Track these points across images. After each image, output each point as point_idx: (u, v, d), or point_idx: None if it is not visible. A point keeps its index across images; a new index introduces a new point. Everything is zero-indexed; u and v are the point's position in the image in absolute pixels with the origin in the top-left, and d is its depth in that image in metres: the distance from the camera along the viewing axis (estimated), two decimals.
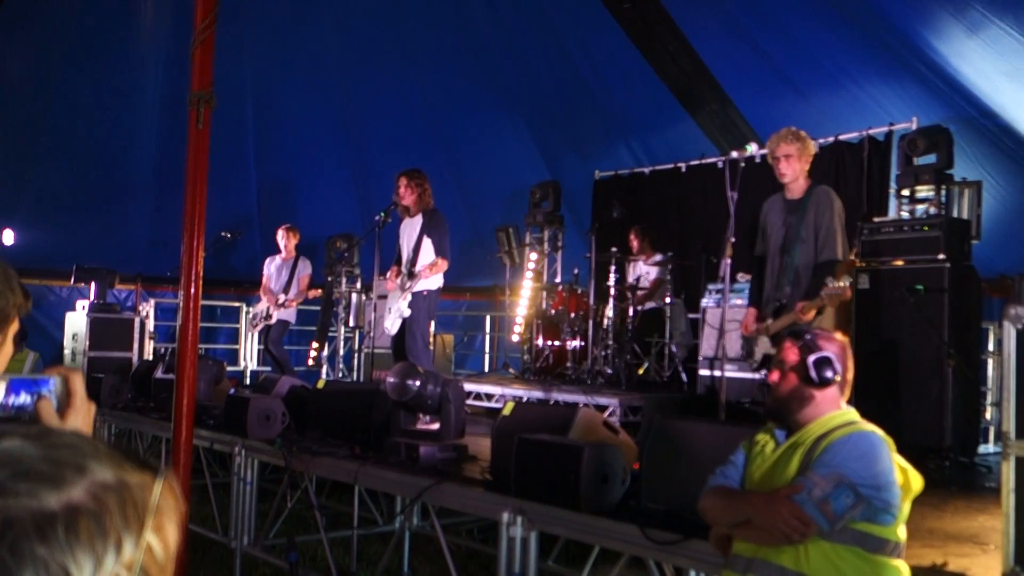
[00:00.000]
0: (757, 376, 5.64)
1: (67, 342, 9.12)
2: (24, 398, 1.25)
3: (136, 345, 9.21)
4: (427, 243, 6.55)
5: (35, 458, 0.70)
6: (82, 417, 1.28)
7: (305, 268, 8.98)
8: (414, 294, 6.48)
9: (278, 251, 9.08)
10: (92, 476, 0.70)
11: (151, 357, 9.19)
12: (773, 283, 5.26)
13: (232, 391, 6.43)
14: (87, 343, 8.84)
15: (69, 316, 9.22)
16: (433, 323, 9.51)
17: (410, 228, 6.75)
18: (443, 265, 6.51)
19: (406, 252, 6.72)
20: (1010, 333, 2.82)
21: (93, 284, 9.34)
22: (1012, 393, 2.82)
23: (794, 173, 5.14)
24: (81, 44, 9.60)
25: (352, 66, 10.78)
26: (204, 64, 4.48)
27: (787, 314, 5.04)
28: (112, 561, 0.68)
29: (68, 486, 0.68)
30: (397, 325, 6.60)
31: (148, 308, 9.82)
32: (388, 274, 7.00)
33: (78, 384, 1.27)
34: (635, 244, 8.74)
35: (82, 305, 9.25)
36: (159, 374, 7.07)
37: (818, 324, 4.89)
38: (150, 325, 9.74)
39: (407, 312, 6.48)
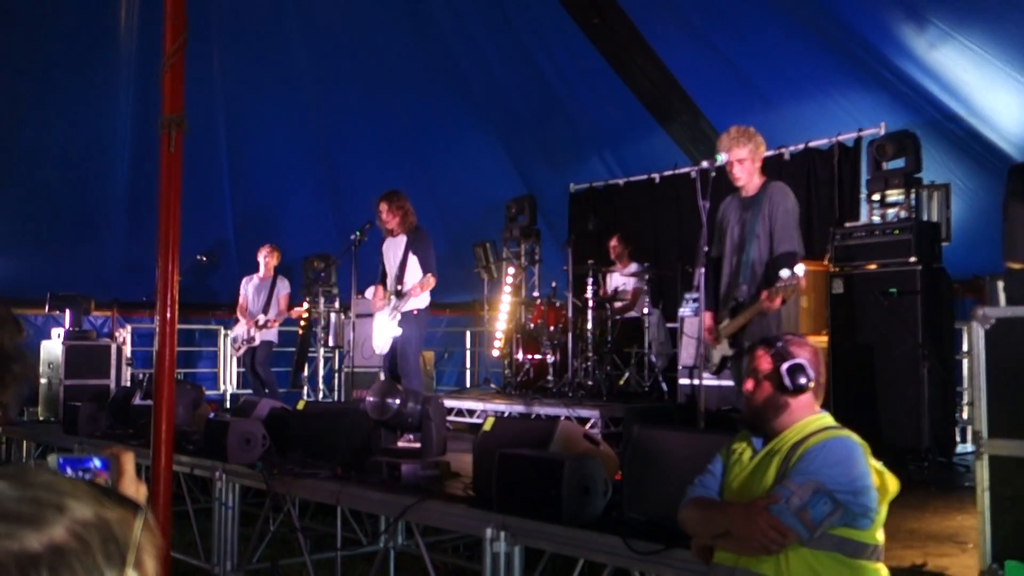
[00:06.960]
0: (727, 382, 5.45)
1: (43, 371, 9.00)
2: (71, 475, 1.21)
3: (113, 372, 9.10)
4: (413, 260, 6.56)
5: (13, 499, 0.69)
6: None
7: (284, 288, 8.97)
8: (404, 314, 6.47)
9: (256, 271, 9.05)
10: (72, 514, 0.70)
11: (129, 384, 9.09)
12: (728, 282, 5.08)
13: (211, 415, 6.39)
14: (63, 371, 8.73)
15: (44, 344, 9.09)
16: None
17: (394, 247, 6.74)
18: (431, 281, 6.51)
19: (392, 271, 6.70)
20: (979, 333, 2.86)
21: (68, 311, 9.23)
22: (983, 392, 2.87)
23: (749, 175, 5.07)
24: (51, 70, 9.54)
25: (324, 86, 10.79)
26: (175, 88, 4.48)
27: (743, 313, 4.85)
28: None
29: (49, 526, 0.68)
30: (388, 345, 6.59)
31: (125, 334, 9.71)
32: (371, 292, 6.97)
33: (128, 464, 1.23)
34: (616, 251, 8.74)
35: (57, 333, 9.14)
36: (137, 400, 7.01)
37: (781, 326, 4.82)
38: (127, 351, 9.64)
39: (398, 332, 6.47)
